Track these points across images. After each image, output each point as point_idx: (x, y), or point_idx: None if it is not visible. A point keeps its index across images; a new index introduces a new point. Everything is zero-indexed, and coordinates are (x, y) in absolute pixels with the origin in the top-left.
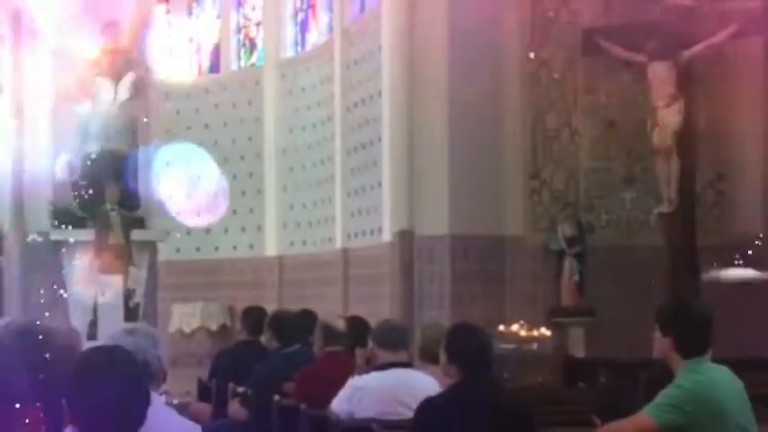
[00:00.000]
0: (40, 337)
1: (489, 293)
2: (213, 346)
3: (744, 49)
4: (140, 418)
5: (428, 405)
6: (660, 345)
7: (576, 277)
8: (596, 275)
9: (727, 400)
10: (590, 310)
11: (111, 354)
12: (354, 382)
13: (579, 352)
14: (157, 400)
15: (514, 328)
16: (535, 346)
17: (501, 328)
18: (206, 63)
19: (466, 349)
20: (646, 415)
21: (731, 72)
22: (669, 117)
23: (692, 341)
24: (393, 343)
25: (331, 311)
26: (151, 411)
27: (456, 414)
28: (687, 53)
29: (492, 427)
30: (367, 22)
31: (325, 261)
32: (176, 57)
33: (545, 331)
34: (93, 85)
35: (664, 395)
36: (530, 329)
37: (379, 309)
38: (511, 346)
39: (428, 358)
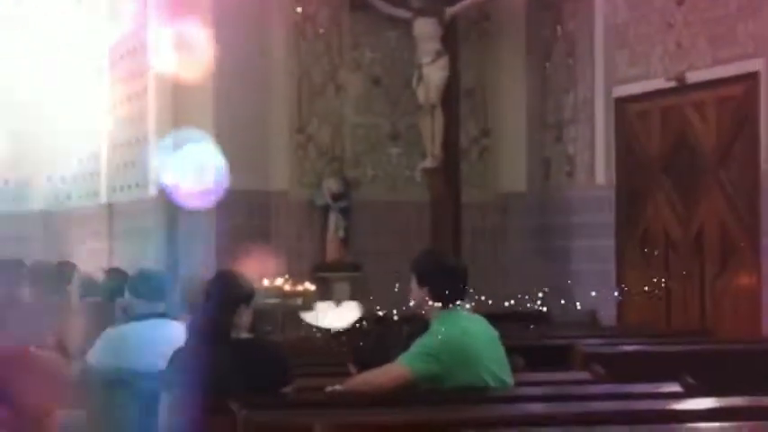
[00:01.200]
0: None
1: (254, 248)
2: None
3: (507, 7)
4: None
5: (177, 355)
6: (416, 295)
7: (341, 233)
8: (362, 231)
9: (480, 349)
10: (355, 265)
11: None
12: (110, 332)
13: None
14: None
15: (279, 282)
16: (300, 300)
17: (265, 282)
18: None
19: (214, 293)
20: (400, 364)
21: (495, 29)
22: (434, 73)
23: (447, 291)
24: (150, 293)
25: (97, 266)
26: None
27: (203, 361)
28: (451, 10)
29: (245, 374)
30: None
31: (91, 215)
32: None
33: (309, 286)
34: None
35: (418, 344)
36: (294, 284)
37: (145, 264)
38: (275, 300)
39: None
